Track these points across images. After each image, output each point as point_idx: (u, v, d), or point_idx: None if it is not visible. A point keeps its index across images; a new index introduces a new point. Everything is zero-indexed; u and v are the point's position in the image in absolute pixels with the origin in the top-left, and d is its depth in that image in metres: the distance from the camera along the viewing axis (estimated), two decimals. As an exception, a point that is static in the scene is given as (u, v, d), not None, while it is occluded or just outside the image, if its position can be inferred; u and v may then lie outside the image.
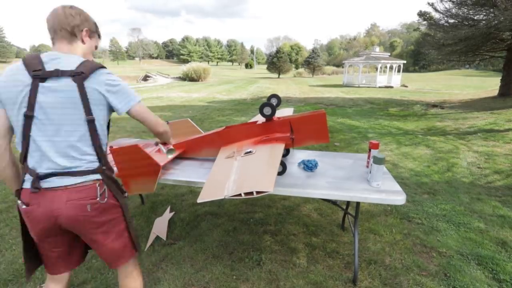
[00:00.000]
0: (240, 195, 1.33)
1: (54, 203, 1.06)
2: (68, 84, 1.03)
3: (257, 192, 1.32)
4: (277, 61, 35.30)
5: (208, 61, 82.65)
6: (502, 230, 2.42)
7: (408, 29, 77.39)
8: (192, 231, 2.38)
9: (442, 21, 10.03)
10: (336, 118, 7.73)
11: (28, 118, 1.02)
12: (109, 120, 1.20)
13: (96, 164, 1.13)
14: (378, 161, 1.65)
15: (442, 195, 3.10)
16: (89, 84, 1.05)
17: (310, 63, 37.94)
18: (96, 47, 1.23)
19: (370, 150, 1.89)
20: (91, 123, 1.08)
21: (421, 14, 10.51)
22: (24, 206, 1.07)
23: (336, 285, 1.81)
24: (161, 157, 2.00)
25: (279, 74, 36.18)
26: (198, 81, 24.82)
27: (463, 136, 5.60)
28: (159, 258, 2.04)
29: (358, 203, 1.82)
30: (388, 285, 1.82)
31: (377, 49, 26.06)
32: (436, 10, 9.73)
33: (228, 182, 1.48)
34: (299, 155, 2.25)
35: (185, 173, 1.91)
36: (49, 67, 1.03)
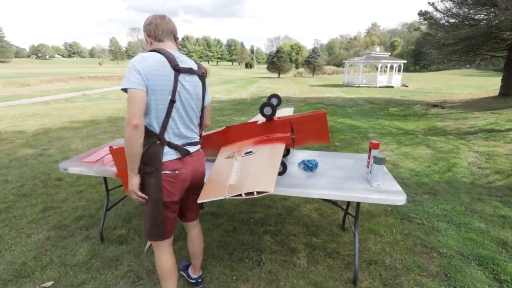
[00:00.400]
0: (240, 195, 1.33)
1: (195, 163, 1.46)
2: (197, 81, 1.41)
3: (258, 192, 1.31)
4: (277, 61, 35.30)
5: (208, 61, 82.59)
6: (503, 230, 2.42)
7: (408, 29, 77.33)
8: (192, 231, 2.37)
9: (443, 21, 10.01)
10: (337, 118, 7.72)
11: (171, 102, 1.30)
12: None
13: (199, 138, 1.52)
14: (379, 161, 1.64)
15: (442, 195, 3.09)
16: (206, 82, 1.48)
17: (310, 63, 37.93)
18: None
19: (370, 150, 1.88)
20: (203, 110, 1.51)
21: (422, 14, 10.49)
22: (176, 172, 1.35)
23: (336, 286, 1.80)
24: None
25: (279, 74, 36.16)
26: (198, 80, 24.79)
27: (464, 136, 5.59)
28: (159, 258, 2.03)
29: (358, 203, 1.81)
30: (389, 286, 1.81)
31: (378, 48, 26.04)
32: (436, 9, 9.71)
33: (229, 182, 1.47)
34: (299, 155, 2.25)
35: (185, 173, 1.90)
36: (182, 64, 1.33)
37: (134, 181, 1.31)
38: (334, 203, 2.16)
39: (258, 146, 1.82)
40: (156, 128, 1.30)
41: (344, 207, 2.34)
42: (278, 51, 37.02)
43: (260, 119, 2.10)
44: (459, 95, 12.89)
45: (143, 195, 1.34)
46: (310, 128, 1.86)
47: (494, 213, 2.70)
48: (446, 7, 9.52)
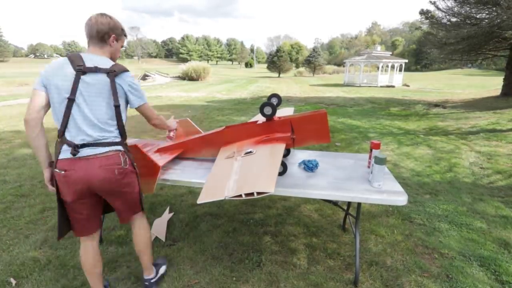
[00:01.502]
0: (240, 195, 1.31)
1: (89, 169, 1.34)
2: (103, 79, 1.35)
3: (258, 193, 1.30)
4: (277, 60, 35.24)
5: (208, 60, 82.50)
6: (504, 231, 2.40)
7: (410, 28, 77.15)
8: (192, 232, 2.36)
9: (444, 20, 9.95)
10: (337, 118, 7.70)
11: (71, 101, 1.31)
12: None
13: (118, 139, 1.44)
14: (380, 161, 1.62)
15: (443, 195, 3.08)
16: (117, 80, 1.38)
17: (311, 62, 37.86)
18: (122, 46, 1.55)
19: (371, 150, 1.86)
20: (119, 108, 1.40)
21: (423, 13, 10.43)
22: (62, 172, 1.33)
23: (337, 287, 1.78)
24: (161, 158, 1.99)
25: (279, 73, 36.11)
26: (198, 80, 24.76)
27: (465, 136, 5.56)
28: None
29: (359, 204, 1.80)
30: (390, 287, 1.79)
31: (379, 48, 25.99)
32: (438, 8, 9.66)
33: (228, 183, 1.46)
34: (299, 155, 2.23)
35: (184, 173, 1.89)
36: (89, 63, 1.33)
37: (44, 173, 1.42)
38: (335, 203, 2.14)
39: (258, 146, 1.81)
40: (58, 126, 1.35)
41: (345, 207, 2.33)
42: (278, 50, 36.94)
43: (260, 119, 2.09)
44: (461, 95, 12.85)
45: (52, 188, 1.42)
46: (311, 128, 1.84)
47: (495, 214, 2.68)
48: (448, 6, 9.47)
